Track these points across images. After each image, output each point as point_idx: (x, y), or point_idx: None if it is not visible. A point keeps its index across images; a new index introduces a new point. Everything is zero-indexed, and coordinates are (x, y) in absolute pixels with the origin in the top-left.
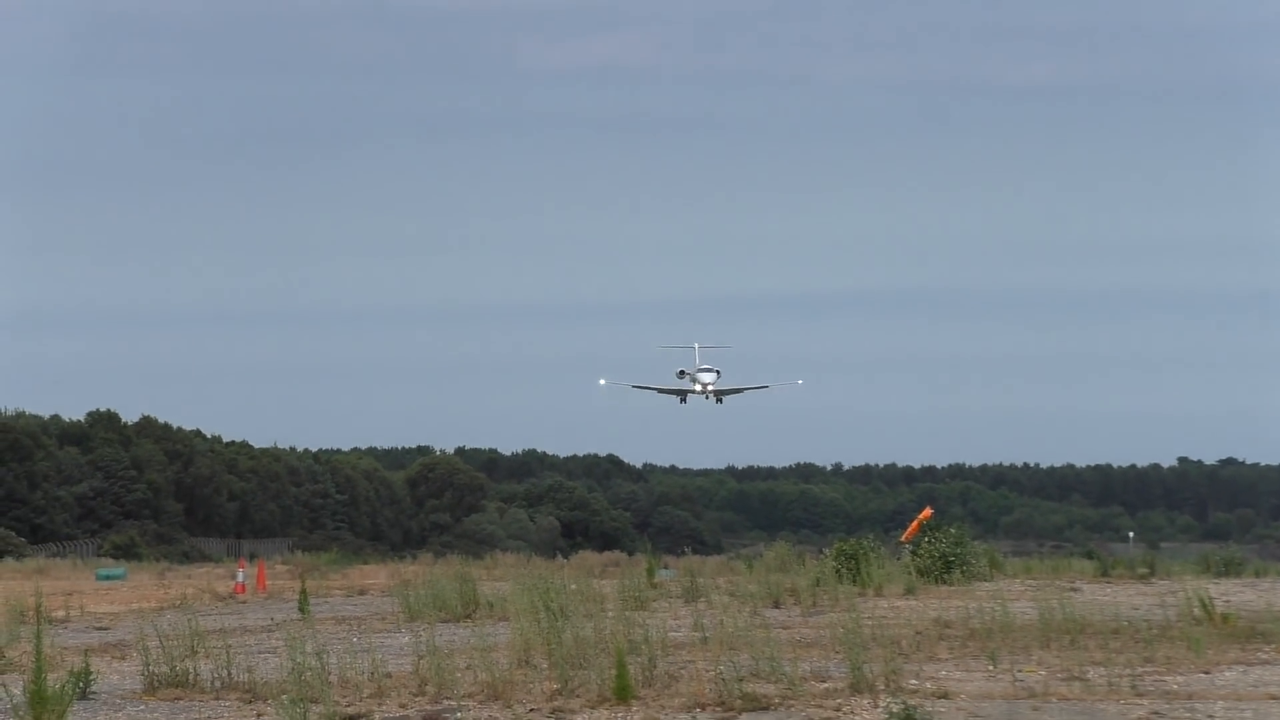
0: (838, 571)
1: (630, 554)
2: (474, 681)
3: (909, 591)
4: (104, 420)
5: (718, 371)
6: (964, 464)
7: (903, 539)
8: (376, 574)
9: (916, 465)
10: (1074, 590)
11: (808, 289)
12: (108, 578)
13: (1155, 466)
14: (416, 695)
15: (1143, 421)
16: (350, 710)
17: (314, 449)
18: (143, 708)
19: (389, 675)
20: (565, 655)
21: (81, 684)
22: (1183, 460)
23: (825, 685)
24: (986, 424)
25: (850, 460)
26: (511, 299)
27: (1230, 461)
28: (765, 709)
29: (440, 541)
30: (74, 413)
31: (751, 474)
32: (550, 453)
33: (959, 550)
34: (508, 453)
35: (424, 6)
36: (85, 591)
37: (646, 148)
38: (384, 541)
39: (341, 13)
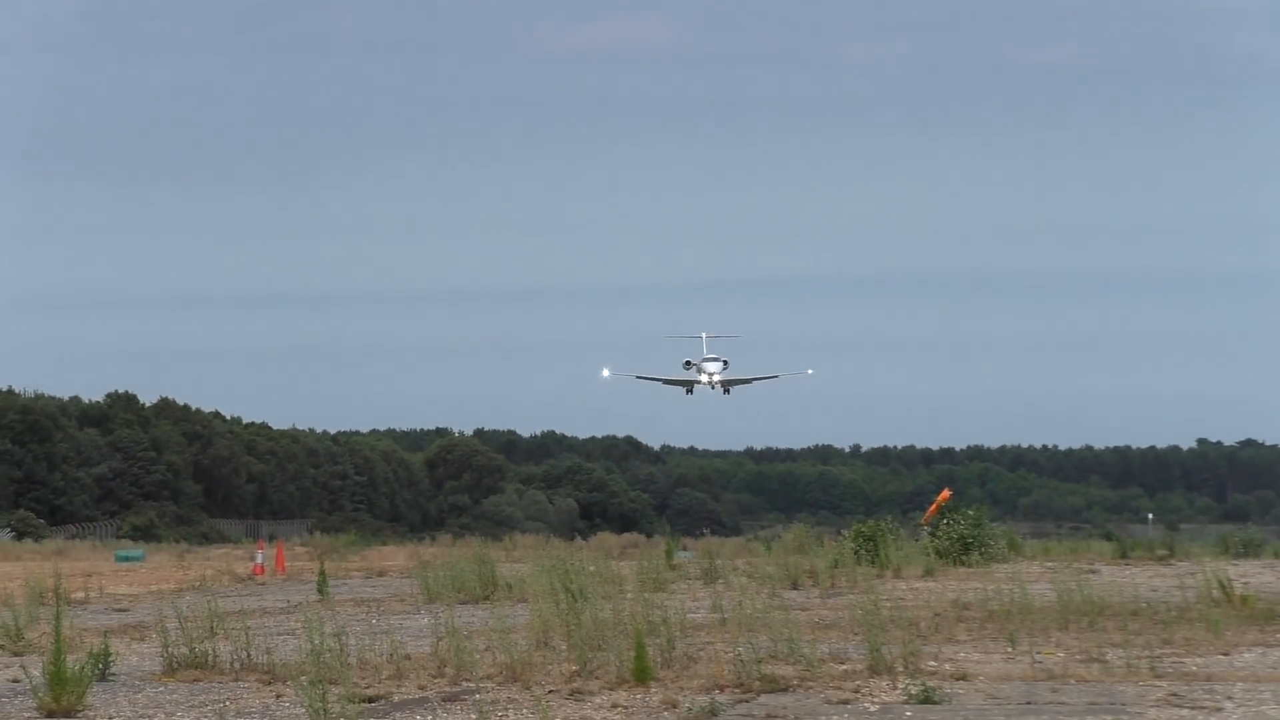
0: (856, 553)
1: (649, 536)
2: (493, 663)
3: (927, 573)
4: (123, 402)
5: (724, 362)
6: (982, 445)
7: (921, 521)
8: (395, 555)
9: (935, 447)
10: (1093, 572)
11: (826, 271)
12: (127, 559)
13: (1174, 448)
14: (435, 677)
15: (1162, 403)
16: (369, 692)
17: (333, 431)
18: (162, 689)
19: (408, 657)
20: (584, 637)
21: (101, 665)
22: (1202, 441)
23: (844, 667)
24: (1005, 406)
25: (869, 442)
26: (530, 281)
27: (1250, 443)
28: (784, 690)
29: (459, 523)
30: (93, 394)
31: (770, 455)
32: (569, 434)
33: (977, 532)
34: (526, 434)
35: None
36: (104, 573)
37: (664, 129)
38: (403, 523)
39: None
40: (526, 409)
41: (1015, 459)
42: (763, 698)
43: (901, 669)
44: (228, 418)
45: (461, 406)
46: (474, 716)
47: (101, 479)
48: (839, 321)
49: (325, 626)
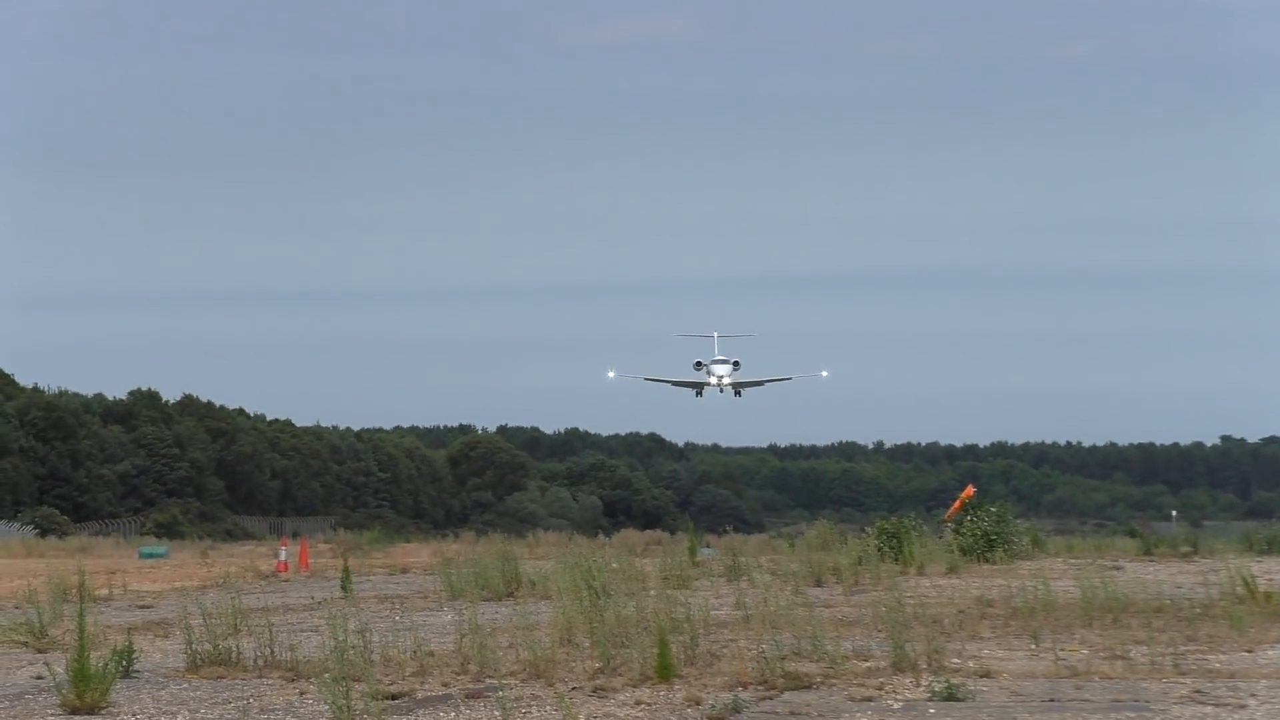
0: (880, 550)
1: (672, 533)
2: (516, 660)
3: (951, 570)
4: (146, 399)
5: (735, 363)
6: (1006, 442)
7: (945, 518)
8: (418, 552)
9: (959, 443)
10: (1117, 569)
11: (851, 267)
12: (150, 556)
13: (1198, 445)
14: (459, 674)
15: (1186, 399)
16: (393, 689)
17: (356, 428)
18: (185, 686)
19: (431, 654)
20: (607, 634)
21: (124, 662)
22: (1226, 438)
23: (867, 664)
24: (1029, 402)
25: (892, 438)
26: (553, 277)
27: (1274, 440)
28: (807, 688)
29: (482, 520)
30: (117, 391)
31: (793, 452)
32: (592, 431)
33: (1001, 529)
34: (549, 431)
35: None
36: (128, 570)
37: (687, 126)
38: (426, 520)
39: None
40: (550, 406)
41: (1039, 455)
42: (786, 695)
43: (925, 666)
44: (251, 414)
45: (485, 403)
46: (497, 713)
47: (125, 476)
48: (863, 318)
49: (349, 623)
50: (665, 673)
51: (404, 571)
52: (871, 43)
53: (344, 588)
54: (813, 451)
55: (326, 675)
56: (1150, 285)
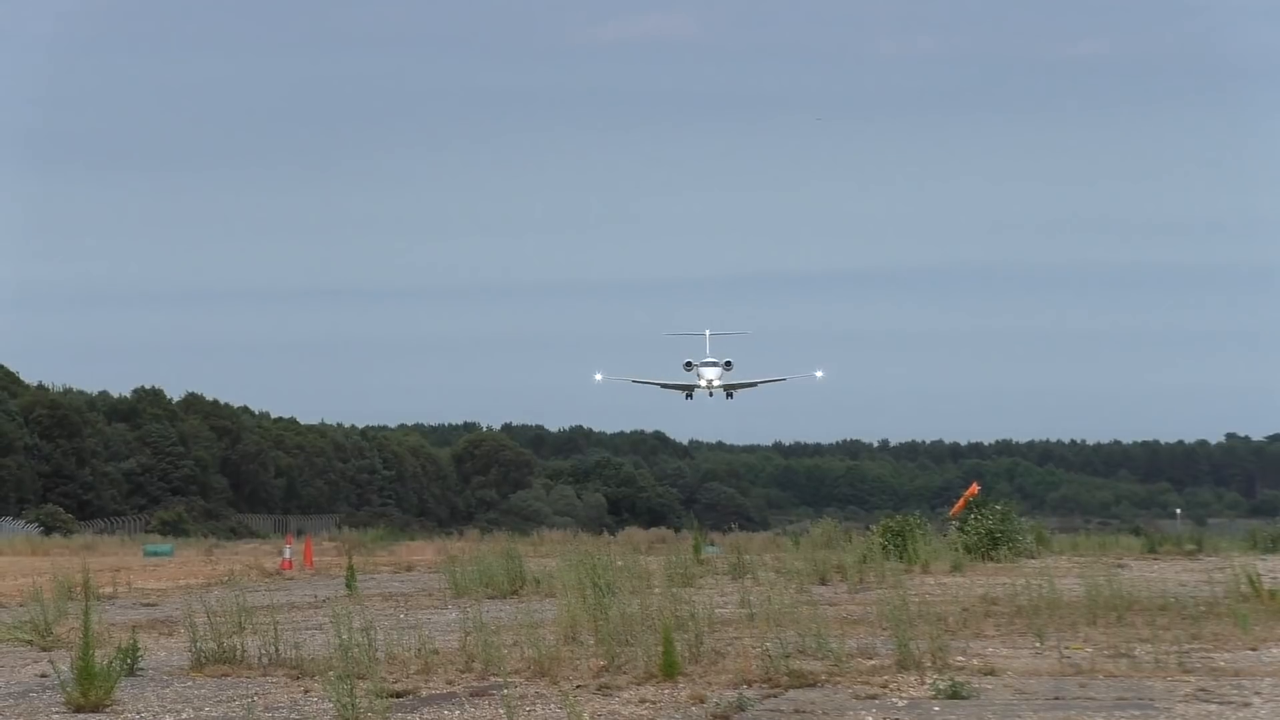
0: (884, 548)
1: (677, 530)
2: (521, 658)
3: (956, 568)
4: (151, 396)
5: (727, 363)
6: (1011, 440)
7: (949, 515)
8: (423, 550)
9: (963, 441)
10: (1121, 567)
11: (856, 265)
12: (155, 554)
13: (1203, 442)
14: (463, 672)
15: (1190, 397)
16: (397, 686)
17: (361, 425)
18: (190, 684)
19: (436, 652)
20: (612, 632)
21: (129, 660)
22: (1231, 436)
23: (872, 662)
24: (1033, 400)
25: (897, 436)
26: (557, 275)
27: (1279, 438)
28: (812, 686)
29: (487, 518)
30: (121, 389)
31: (798, 450)
32: (596, 429)
33: (1006, 526)
34: (554, 429)
35: None
36: (133, 568)
37: (693, 123)
38: (430, 518)
39: None
40: (555, 404)
41: (1044, 453)
42: (791, 693)
43: (929, 664)
44: (256, 413)
45: (490, 401)
46: (502, 711)
47: (130, 474)
48: (867, 316)
49: (353, 621)
50: (670, 671)
51: (408, 569)
52: (875, 41)
53: (349, 586)
54: (817, 449)
55: (331, 673)
56: (1156, 283)
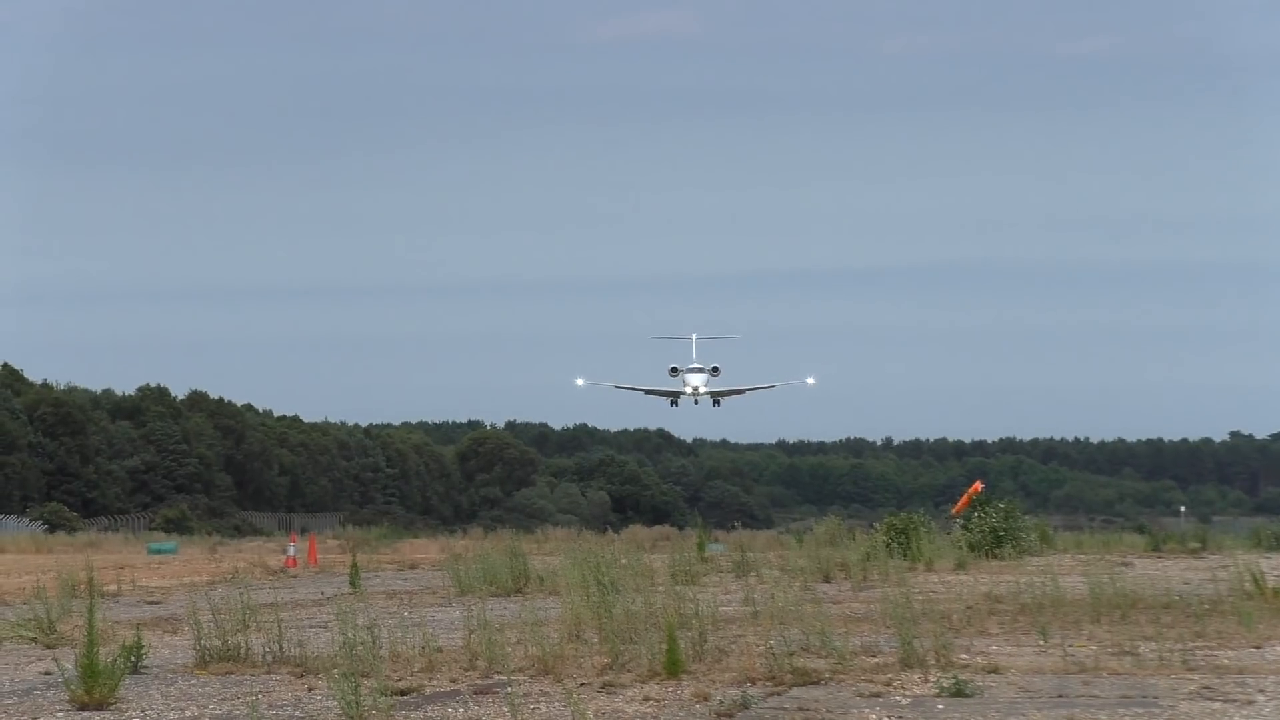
0: (888, 546)
1: (681, 528)
2: (525, 656)
3: (959, 566)
4: (155, 394)
5: (713, 370)
6: (1015, 438)
7: (953, 513)
8: (427, 548)
9: (967, 439)
10: (1125, 565)
11: (859, 263)
12: (159, 551)
13: (1207, 440)
14: (467, 670)
15: (1195, 395)
16: (401, 684)
17: (364, 423)
18: (194, 681)
19: (440, 650)
20: (616, 630)
21: (133, 658)
22: (1235, 434)
23: (876, 660)
24: (1037, 398)
25: (901, 434)
26: (560, 273)
27: None
28: (816, 683)
29: (491, 516)
30: (125, 387)
31: (802, 448)
32: (600, 427)
33: (1009, 525)
34: (558, 427)
35: None
36: (137, 565)
37: (697, 121)
38: (434, 516)
39: None
40: (558, 401)
41: (1047, 451)
42: (794, 691)
43: (933, 662)
44: (260, 410)
45: (493, 399)
46: (506, 709)
47: (134, 471)
48: (871, 314)
49: (357, 619)
50: (674, 668)
51: (412, 567)
52: (880, 39)
53: (353, 583)
54: (821, 448)
55: (335, 671)
56: (1159, 281)
